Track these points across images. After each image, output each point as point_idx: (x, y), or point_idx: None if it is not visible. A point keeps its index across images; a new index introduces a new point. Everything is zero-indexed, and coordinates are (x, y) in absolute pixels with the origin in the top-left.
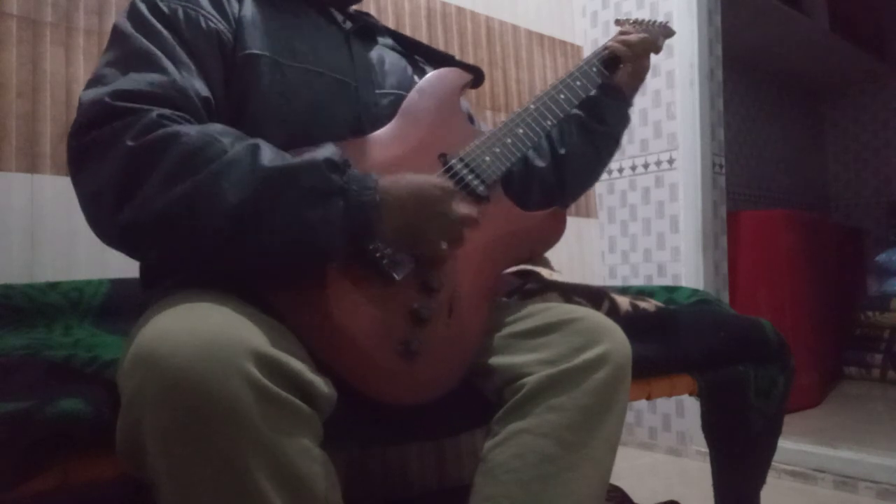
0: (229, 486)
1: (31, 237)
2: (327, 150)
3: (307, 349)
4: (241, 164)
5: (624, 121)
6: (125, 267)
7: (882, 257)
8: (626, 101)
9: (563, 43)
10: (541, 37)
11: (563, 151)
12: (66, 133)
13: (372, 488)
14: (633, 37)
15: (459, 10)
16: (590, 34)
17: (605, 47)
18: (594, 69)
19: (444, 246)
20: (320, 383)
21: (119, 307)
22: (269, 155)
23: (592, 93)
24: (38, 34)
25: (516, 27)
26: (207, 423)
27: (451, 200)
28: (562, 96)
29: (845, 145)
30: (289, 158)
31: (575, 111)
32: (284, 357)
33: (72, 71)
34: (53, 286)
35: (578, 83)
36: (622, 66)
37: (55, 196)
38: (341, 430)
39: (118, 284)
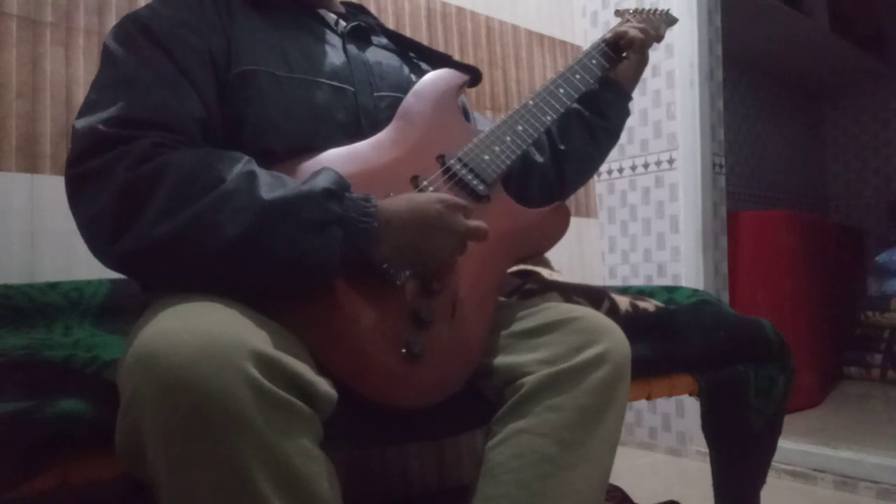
0: (229, 486)
1: (31, 237)
2: (325, 178)
3: (308, 352)
4: (238, 196)
5: (624, 115)
6: None
7: (882, 257)
8: (626, 95)
9: (563, 43)
10: (541, 37)
11: (562, 147)
12: (66, 133)
13: (372, 488)
14: (630, 29)
15: (459, 10)
16: (590, 34)
17: (604, 40)
18: (594, 62)
19: (448, 260)
20: (321, 384)
21: (119, 307)
22: (266, 183)
23: (592, 86)
24: (38, 34)
25: (516, 27)
26: (207, 423)
27: (453, 215)
28: (561, 91)
29: (845, 145)
30: (286, 184)
31: (574, 105)
32: (284, 357)
33: (72, 71)
34: (53, 286)
35: (578, 77)
36: (622, 60)
37: (55, 196)
38: (341, 431)
39: (118, 284)
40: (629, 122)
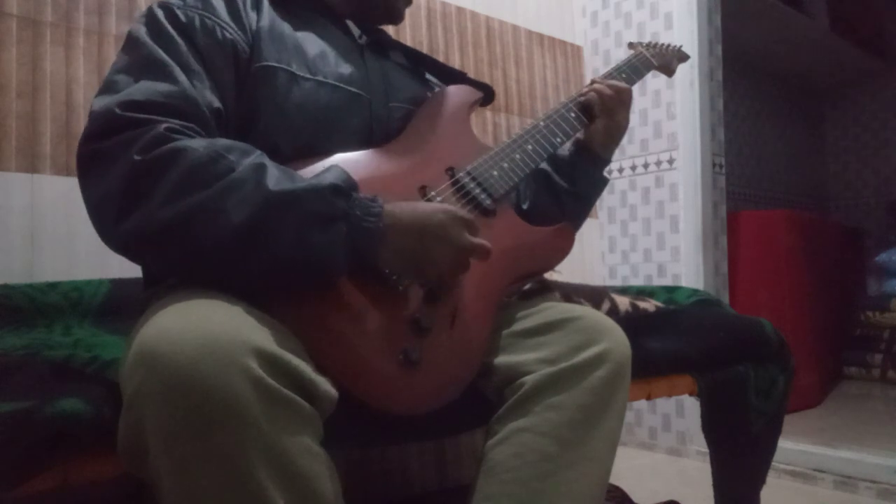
0: (231, 485)
1: (31, 237)
2: (333, 174)
3: (308, 353)
4: (246, 185)
5: (596, 182)
6: (125, 267)
7: (882, 257)
8: (599, 160)
9: (563, 43)
10: (541, 37)
11: (525, 207)
12: (66, 133)
13: (372, 488)
14: (606, 88)
15: (459, 10)
16: (590, 34)
17: (582, 93)
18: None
19: (448, 273)
20: (322, 382)
21: (119, 307)
22: (274, 175)
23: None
24: (38, 34)
25: (516, 27)
26: (209, 421)
27: (457, 227)
28: (572, 115)
29: (845, 145)
30: (295, 179)
31: (544, 167)
32: (286, 355)
33: (72, 71)
34: (53, 286)
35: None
36: (593, 123)
37: (55, 196)
38: (341, 430)
39: (118, 284)
40: (629, 121)
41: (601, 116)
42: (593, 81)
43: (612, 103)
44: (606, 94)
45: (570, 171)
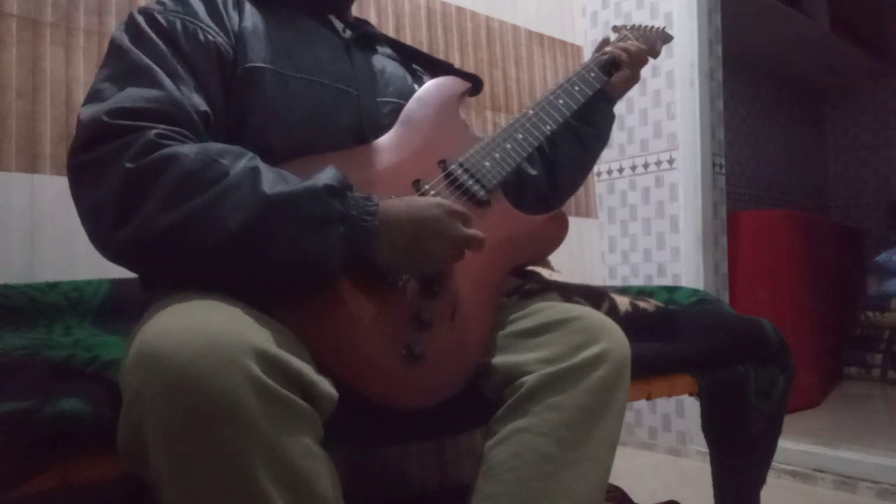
0: (231, 485)
1: (31, 237)
2: (328, 175)
3: (309, 353)
4: (241, 189)
5: (610, 120)
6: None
7: (882, 257)
8: (612, 103)
9: (563, 43)
10: (541, 37)
11: (554, 158)
12: (66, 133)
13: (372, 488)
14: (632, 45)
15: (459, 10)
16: (590, 34)
17: (604, 52)
18: (592, 74)
19: (444, 265)
20: (322, 383)
21: (119, 307)
22: (269, 178)
23: (590, 98)
24: (38, 34)
25: (516, 27)
26: (209, 422)
27: (451, 220)
28: (560, 101)
29: (845, 145)
30: (289, 181)
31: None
32: (286, 356)
33: (72, 71)
34: (53, 286)
35: (577, 88)
36: (617, 72)
37: (55, 196)
38: (341, 430)
39: (118, 284)
40: (629, 122)
41: (628, 68)
42: (620, 39)
43: (637, 59)
44: (634, 49)
45: (591, 115)
